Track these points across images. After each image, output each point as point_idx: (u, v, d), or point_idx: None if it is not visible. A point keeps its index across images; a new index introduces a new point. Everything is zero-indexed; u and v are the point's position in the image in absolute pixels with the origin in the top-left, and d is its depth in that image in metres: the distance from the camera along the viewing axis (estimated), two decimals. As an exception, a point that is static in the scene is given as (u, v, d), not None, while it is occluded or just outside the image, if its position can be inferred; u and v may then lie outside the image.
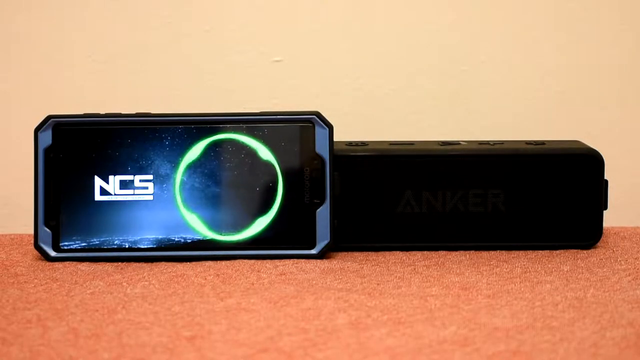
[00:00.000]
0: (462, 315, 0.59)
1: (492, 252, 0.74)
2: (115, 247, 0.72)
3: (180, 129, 0.72)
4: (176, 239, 0.72)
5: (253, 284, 0.66)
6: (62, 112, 0.72)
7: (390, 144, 0.75)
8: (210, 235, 0.72)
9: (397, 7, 0.88)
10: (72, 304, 0.62)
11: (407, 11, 0.88)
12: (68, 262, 0.71)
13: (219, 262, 0.71)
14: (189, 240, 0.72)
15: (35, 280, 0.67)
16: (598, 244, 0.75)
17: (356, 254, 0.74)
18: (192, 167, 0.72)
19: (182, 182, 0.72)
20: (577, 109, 0.89)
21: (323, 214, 0.72)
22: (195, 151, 0.72)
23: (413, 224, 0.74)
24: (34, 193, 0.72)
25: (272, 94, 0.88)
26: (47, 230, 0.72)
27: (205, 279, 0.67)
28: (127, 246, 0.72)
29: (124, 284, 0.66)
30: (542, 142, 0.75)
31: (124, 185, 0.72)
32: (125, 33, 0.88)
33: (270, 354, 0.53)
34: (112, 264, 0.71)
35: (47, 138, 0.72)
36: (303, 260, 0.72)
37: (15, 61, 0.88)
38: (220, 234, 0.72)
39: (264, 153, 0.72)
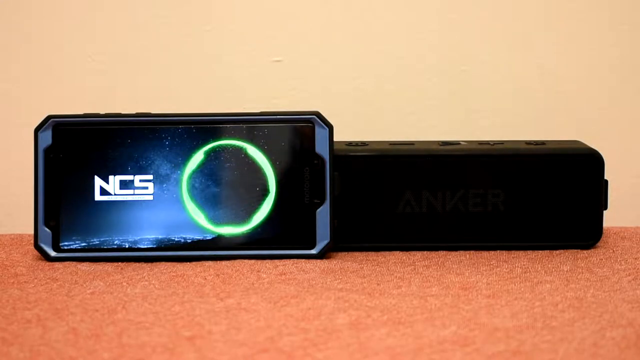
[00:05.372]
0: (462, 315, 0.59)
1: (492, 252, 0.74)
2: (115, 247, 0.72)
3: (180, 129, 0.72)
4: (176, 239, 0.72)
5: (253, 284, 0.66)
6: (62, 112, 0.72)
7: (390, 144, 0.75)
8: (211, 228, 0.72)
9: (397, 7, 0.88)
10: (72, 304, 0.62)
11: (407, 11, 0.88)
12: (68, 262, 0.71)
13: (219, 262, 0.71)
14: (189, 240, 0.72)
15: (35, 280, 0.67)
16: (598, 244, 0.75)
17: (356, 254, 0.74)
18: (196, 168, 0.72)
19: (186, 182, 0.72)
20: (577, 109, 0.89)
21: (323, 214, 0.72)
22: (200, 153, 0.72)
23: (413, 224, 0.74)
24: (34, 193, 0.72)
25: (272, 94, 0.88)
26: (47, 230, 0.72)
27: (205, 279, 0.67)
28: (127, 246, 0.72)
29: (124, 284, 0.66)
30: (542, 142, 0.75)
31: (124, 185, 0.72)
32: (125, 33, 0.88)
33: (270, 354, 0.53)
34: (112, 264, 0.71)
35: (47, 138, 0.72)
36: (303, 260, 0.72)
37: (15, 61, 0.88)
38: (221, 229, 0.72)
39: (264, 153, 0.72)
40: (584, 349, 0.54)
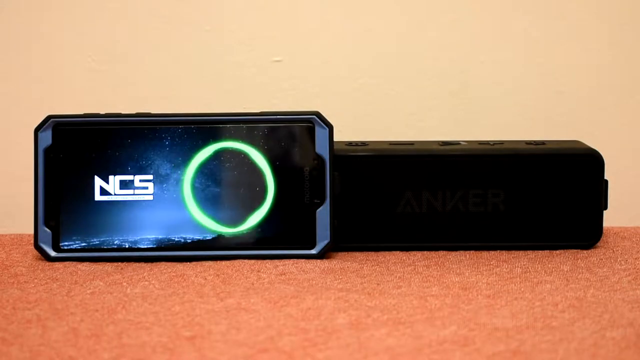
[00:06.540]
0: (462, 315, 0.59)
1: (492, 252, 0.74)
2: (115, 247, 0.72)
3: (180, 129, 0.72)
4: (176, 239, 0.72)
5: (253, 284, 0.66)
6: (62, 112, 0.72)
7: (390, 144, 0.75)
8: (211, 228, 0.72)
9: (397, 7, 0.88)
10: (72, 304, 0.62)
11: (407, 11, 0.88)
12: (68, 262, 0.71)
13: (219, 262, 0.71)
14: (189, 240, 0.72)
15: (35, 280, 0.67)
16: (598, 244, 0.75)
17: (356, 254, 0.74)
18: (197, 168, 0.72)
19: (186, 183, 0.72)
20: (577, 109, 0.89)
21: (323, 214, 0.72)
22: (201, 153, 0.72)
23: (413, 224, 0.74)
24: (34, 193, 0.72)
25: (272, 94, 0.88)
26: (47, 230, 0.72)
27: (205, 279, 0.67)
28: (127, 246, 0.72)
29: (124, 284, 0.66)
30: (542, 142, 0.75)
31: (124, 185, 0.72)
32: (125, 33, 0.88)
33: (270, 354, 0.53)
34: (112, 264, 0.71)
35: (47, 138, 0.72)
36: (303, 260, 0.72)
37: (15, 61, 0.88)
38: (221, 229, 0.72)
39: (264, 153, 0.72)
40: (584, 349, 0.54)
